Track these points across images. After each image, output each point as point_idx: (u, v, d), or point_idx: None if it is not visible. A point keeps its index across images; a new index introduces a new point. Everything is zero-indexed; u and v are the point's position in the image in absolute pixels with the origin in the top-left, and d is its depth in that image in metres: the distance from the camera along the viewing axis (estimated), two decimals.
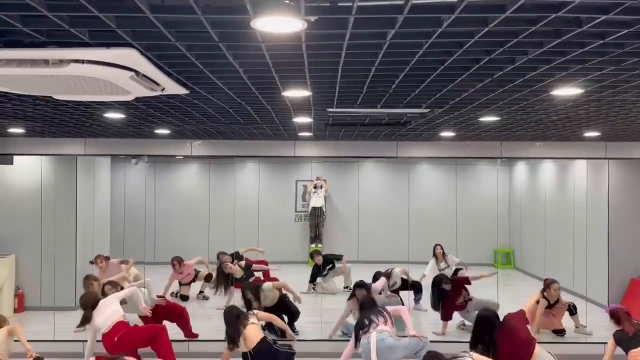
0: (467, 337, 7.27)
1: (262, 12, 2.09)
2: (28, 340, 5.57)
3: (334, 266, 9.70)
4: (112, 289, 6.85)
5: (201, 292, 9.53)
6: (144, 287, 7.40)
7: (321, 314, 7.77)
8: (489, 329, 5.63)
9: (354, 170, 11.77)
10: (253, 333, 5.60)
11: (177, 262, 9.26)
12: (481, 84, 3.60)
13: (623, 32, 2.40)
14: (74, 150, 7.75)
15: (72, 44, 2.50)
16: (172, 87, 3.46)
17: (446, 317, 7.75)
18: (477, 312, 7.59)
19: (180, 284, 9.45)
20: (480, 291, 7.97)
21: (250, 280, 8.48)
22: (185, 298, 9.32)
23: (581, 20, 2.27)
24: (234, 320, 5.69)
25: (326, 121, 5.67)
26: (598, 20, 2.21)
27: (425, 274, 9.10)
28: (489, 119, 5.38)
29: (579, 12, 2.16)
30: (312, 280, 9.58)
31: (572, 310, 7.75)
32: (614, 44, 2.60)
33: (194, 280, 9.53)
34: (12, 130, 6.61)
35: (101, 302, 6.18)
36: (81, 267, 8.47)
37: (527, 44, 2.63)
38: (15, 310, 8.55)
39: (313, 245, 11.36)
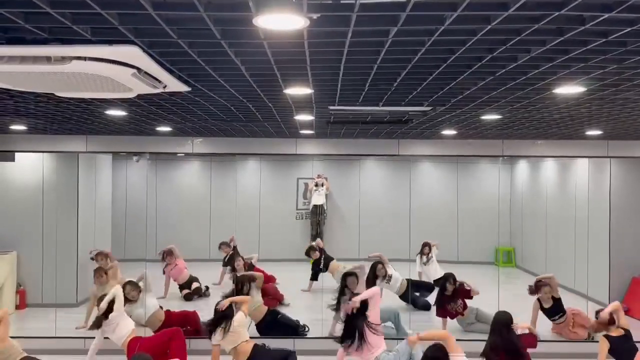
0: (469, 336, 7.33)
1: (264, 9, 2.09)
2: (30, 337, 5.57)
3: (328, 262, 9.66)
4: (133, 289, 6.97)
5: (207, 287, 9.45)
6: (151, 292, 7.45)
7: (322, 311, 7.76)
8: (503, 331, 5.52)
9: (355, 168, 11.74)
10: (243, 350, 5.76)
11: (167, 254, 9.12)
12: (483, 82, 3.59)
13: (626, 31, 2.39)
14: (75, 147, 7.76)
15: (75, 41, 2.50)
16: (174, 85, 3.47)
17: (439, 313, 7.79)
18: (477, 324, 7.64)
19: (180, 288, 9.29)
20: (481, 289, 7.96)
21: None
22: (189, 298, 9.21)
23: (584, 18, 2.27)
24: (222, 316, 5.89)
25: (328, 119, 5.67)
26: (601, 18, 2.21)
27: (420, 271, 9.32)
28: (490, 117, 5.38)
29: (582, 10, 2.16)
30: (314, 278, 9.54)
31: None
32: (617, 42, 2.59)
33: (191, 286, 9.40)
34: (13, 127, 6.61)
35: (111, 316, 6.06)
36: (82, 264, 8.48)
37: (530, 42, 2.63)
38: (17, 307, 8.58)
39: (313, 244, 11.33)
